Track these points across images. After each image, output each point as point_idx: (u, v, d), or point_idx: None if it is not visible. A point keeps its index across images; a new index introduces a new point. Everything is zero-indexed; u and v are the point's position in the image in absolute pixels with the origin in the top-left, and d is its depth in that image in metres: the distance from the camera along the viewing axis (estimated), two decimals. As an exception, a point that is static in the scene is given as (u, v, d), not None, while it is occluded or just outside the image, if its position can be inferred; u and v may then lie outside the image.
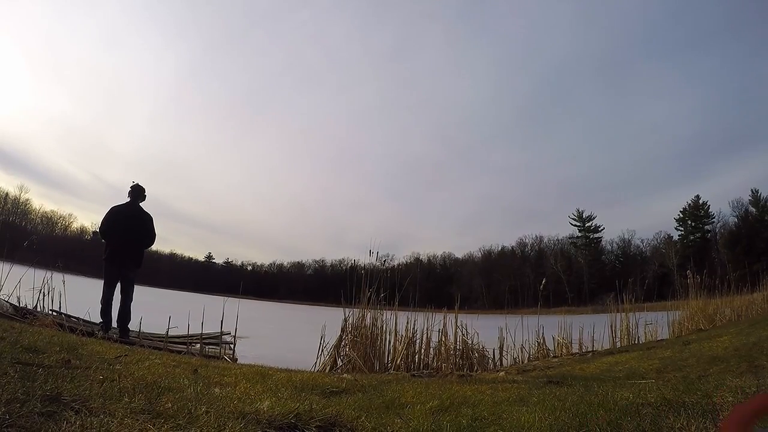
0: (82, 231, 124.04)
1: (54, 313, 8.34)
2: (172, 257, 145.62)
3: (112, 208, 6.50)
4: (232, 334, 9.37)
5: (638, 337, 12.93)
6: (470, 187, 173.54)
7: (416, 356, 9.01)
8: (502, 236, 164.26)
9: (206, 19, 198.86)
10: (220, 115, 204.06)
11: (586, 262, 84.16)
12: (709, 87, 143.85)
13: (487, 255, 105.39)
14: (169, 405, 2.40)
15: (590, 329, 13.62)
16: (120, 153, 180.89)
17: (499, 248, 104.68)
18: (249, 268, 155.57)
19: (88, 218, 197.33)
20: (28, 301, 8.46)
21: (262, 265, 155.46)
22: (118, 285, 7.52)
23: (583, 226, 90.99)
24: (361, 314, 8.82)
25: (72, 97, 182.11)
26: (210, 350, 8.36)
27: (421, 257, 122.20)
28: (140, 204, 6.80)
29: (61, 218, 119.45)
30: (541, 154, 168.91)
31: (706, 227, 74.70)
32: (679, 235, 77.67)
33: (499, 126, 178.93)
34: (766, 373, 3.36)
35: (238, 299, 13.26)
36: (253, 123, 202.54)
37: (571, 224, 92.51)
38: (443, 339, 9.23)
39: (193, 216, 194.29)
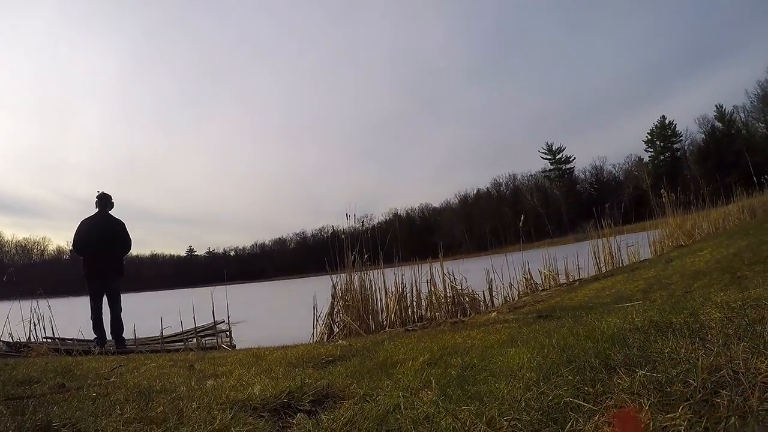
0: (60, 252, 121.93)
1: (48, 340, 8.23)
2: (154, 258, 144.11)
3: (82, 222, 6.28)
4: (227, 321, 9.30)
5: (622, 260, 13.12)
6: (439, 134, 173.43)
7: (409, 309, 9.06)
8: (477, 179, 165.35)
9: (140, 6, 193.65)
10: (173, 105, 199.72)
11: (561, 194, 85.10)
12: (665, 4, 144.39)
13: (464, 200, 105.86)
14: (161, 408, 2.35)
15: (574, 258, 13.81)
16: (80, 165, 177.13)
17: (475, 191, 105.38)
18: (232, 253, 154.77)
19: (63, 238, 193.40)
20: (20, 334, 8.33)
21: (244, 248, 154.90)
22: (105, 298, 7.37)
23: (554, 158, 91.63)
24: (348, 278, 8.77)
25: (19, 119, 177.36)
26: (207, 342, 8.31)
27: (399, 212, 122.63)
28: (109, 212, 6.59)
29: (36, 244, 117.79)
30: (506, 91, 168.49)
31: (675, 146, 75.76)
32: (649, 157, 78.85)
33: (462, 68, 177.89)
34: (749, 283, 3.39)
35: (225, 286, 13.28)
36: (209, 106, 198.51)
37: (542, 158, 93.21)
38: (432, 289, 9.26)
39: (166, 213, 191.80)
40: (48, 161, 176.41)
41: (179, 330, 8.84)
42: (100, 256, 6.49)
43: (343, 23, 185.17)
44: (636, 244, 13.50)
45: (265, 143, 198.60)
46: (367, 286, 8.84)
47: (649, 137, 78.91)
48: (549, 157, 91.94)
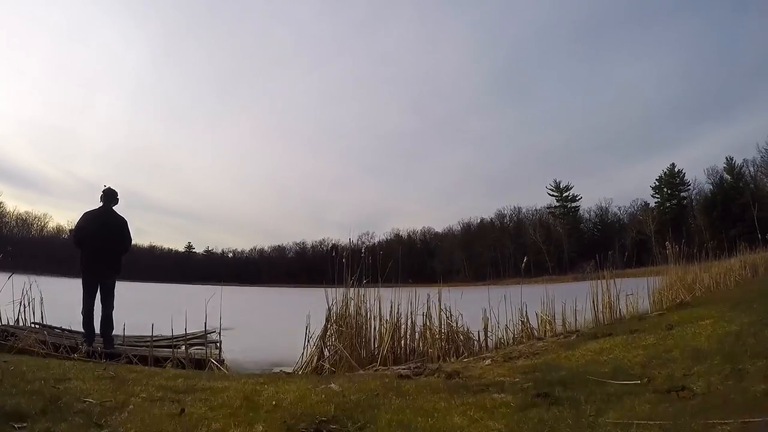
0: (59, 230, 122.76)
1: (36, 327, 8.14)
2: (152, 249, 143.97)
3: (85, 214, 6.24)
4: (217, 331, 9.15)
5: (620, 310, 12.97)
6: (448, 158, 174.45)
7: (402, 341, 8.96)
8: (481, 208, 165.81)
9: (168, 5, 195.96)
10: (190, 102, 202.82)
11: (564, 232, 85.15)
12: (686, 53, 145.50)
13: (467, 228, 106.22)
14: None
15: (572, 303, 13.71)
16: (91, 147, 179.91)
17: (479, 221, 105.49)
18: (230, 255, 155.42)
19: (63, 216, 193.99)
20: (9, 315, 8.25)
21: (242, 251, 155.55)
22: (99, 294, 7.30)
23: (561, 195, 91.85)
24: (344, 301, 8.66)
25: (39, 96, 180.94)
26: (196, 352, 8.15)
27: (401, 233, 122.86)
28: (113, 208, 6.54)
29: (37, 219, 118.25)
30: (518, 122, 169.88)
31: (682, 194, 75.86)
32: (655, 203, 79.03)
33: (476, 95, 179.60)
34: (749, 382, 3.36)
35: (220, 287, 13.08)
36: (225, 107, 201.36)
37: (549, 194, 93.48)
38: (428, 323, 9.17)
39: (170, 205, 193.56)
40: (60, 139, 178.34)
41: (169, 334, 8.68)
42: (99, 251, 6.43)
43: (363, 38, 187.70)
44: (635, 293, 13.33)
45: (276, 149, 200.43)
46: (363, 313, 8.72)
47: (657, 183, 79.18)
48: (556, 194, 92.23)
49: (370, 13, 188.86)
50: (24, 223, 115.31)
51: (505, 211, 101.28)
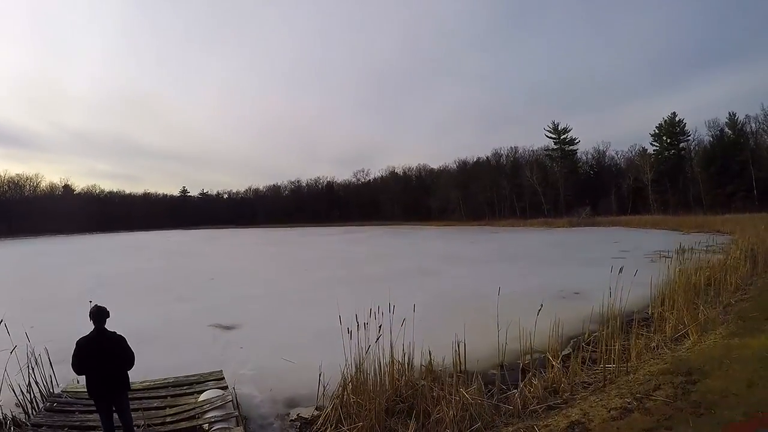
0: (52, 188, 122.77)
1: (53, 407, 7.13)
2: (146, 197, 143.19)
3: (79, 343, 5.75)
4: (224, 366, 7.97)
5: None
6: (444, 95, 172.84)
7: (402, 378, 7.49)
8: (477, 145, 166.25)
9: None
10: (178, 43, 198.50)
11: (561, 175, 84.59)
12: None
13: (463, 166, 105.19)
14: None
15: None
16: (77, 97, 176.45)
17: (475, 159, 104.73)
18: (225, 196, 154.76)
19: (55, 171, 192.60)
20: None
21: (238, 192, 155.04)
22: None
23: (559, 138, 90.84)
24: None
25: (20, 50, 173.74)
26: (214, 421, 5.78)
27: (396, 170, 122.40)
28: (105, 327, 6.15)
29: (29, 180, 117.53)
30: (516, 59, 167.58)
31: (681, 144, 75.03)
32: (654, 150, 78.07)
33: (473, 32, 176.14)
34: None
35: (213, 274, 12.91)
36: (215, 46, 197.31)
37: (547, 136, 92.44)
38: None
39: (163, 150, 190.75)
40: (44, 92, 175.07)
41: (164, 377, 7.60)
42: (103, 377, 6.12)
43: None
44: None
45: (269, 87, 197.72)
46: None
47: (657, 132, 78.23)
48: (554, 136, 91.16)
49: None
50: (16, 185, 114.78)
51: (502, 151, 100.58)
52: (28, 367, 6.43)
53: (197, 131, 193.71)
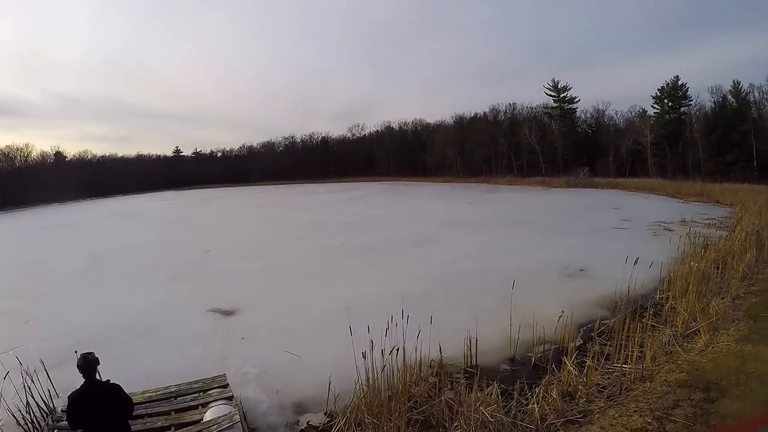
0: (44, 156, 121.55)
1: None
2: (140, 159, 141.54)
3: (71, 399, 5.30)
4: (229, 373, 7.19)
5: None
6: (440, 46, 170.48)
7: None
8: (474, 99, 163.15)
9: None
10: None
11: (560, 134, 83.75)
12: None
13: (459, 121, 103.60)
14: None
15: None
16: (64, 61, 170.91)
17: (472, 114, 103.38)
18: (219, 154, 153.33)
19: (47, 138, 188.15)
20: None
21: (231, 150, 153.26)
22: None
23: (558, 96, 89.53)
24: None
25: (4, 17, 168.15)
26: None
27: (392, 125, 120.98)
28: (98, 377, 5.69)
29: (19, 150, 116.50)
30: (515, 10, 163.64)
31: (682, 109, 73.96)
32: (654, 113, 77.04)
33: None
34: None
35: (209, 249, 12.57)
36: None
37: (547, 94, 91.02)
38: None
39: (154, 109, 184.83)
40: (30, 57, 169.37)
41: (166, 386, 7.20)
42: (101, 430, 5.75)
43: None
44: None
45: (259, 40, 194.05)
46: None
47: (659, 94, 77.10)
48: (553, 94, 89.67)
49: None
50: (6, 157, 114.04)
51: (500, 107, 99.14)
52: (24, 387, 6.12)
53: (190, 88, 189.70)
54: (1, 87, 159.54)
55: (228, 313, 11.14)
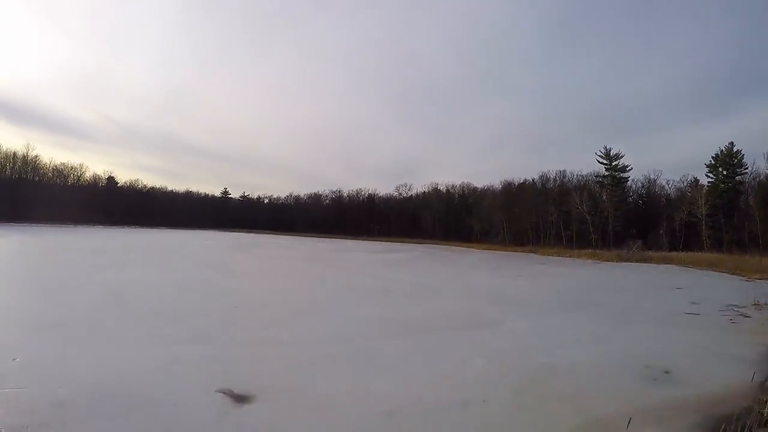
0: (96, 179, 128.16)
1: None
2: (188, 195, 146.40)
3: None
4: None
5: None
6: (491, 110, 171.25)
7: None
8: (522, 164, 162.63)
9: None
10: (229, 39, 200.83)
11: (611, 203, 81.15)
12: (748, 18, 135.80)
13: (508, 187, 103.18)
14: None
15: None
16: (126, 92, 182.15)
17: (521, 180, 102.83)
18: (265, 200, 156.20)
19: (101, 162, 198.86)
20: None
21: (278, 198, 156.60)
22: None
23: (611, 164, 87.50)
24: None
25: (75, 40, 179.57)
26: None
27: (439, 187, 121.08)
28: None
29: (73, 169, 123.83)
30: (564, 78, 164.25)
31: (738, 177, 70.93)
32: (709, 182, 74.21)
33: (522, 46, 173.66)
34: None
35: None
36: (263, 48, 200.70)
37: (599, 161, 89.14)
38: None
39: (207, 148, 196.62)
40: (97, 84, 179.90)
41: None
42: None
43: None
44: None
45: (314, 92, 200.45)
46: None
47: (713, 162, 74.44)
48: (605, 161, 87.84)
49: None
50: (60, 174, 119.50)
51: (549, 174, 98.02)
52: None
53: (243, 133, 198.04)
54: (63, 107, 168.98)
55: (240, 398, 8.97)
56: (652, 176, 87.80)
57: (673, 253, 57.47)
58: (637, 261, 54.51)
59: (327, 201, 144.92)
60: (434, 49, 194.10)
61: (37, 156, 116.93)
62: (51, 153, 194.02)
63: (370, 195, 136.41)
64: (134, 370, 9.86)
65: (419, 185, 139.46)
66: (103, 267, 28.65)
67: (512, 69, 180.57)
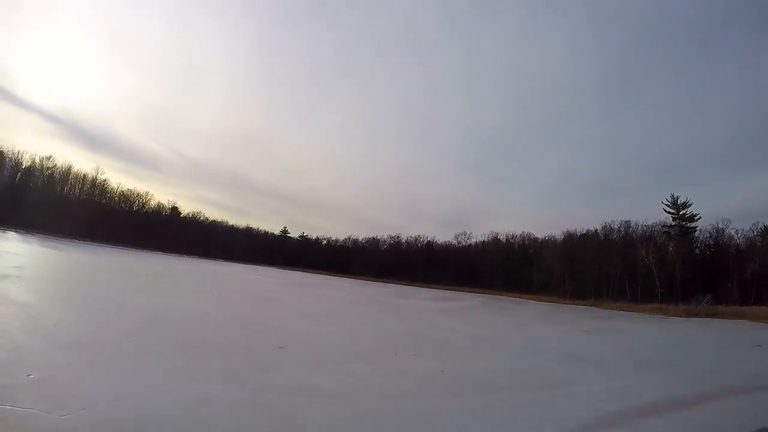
0: (159, 208, 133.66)
1: None
2: (248, 231, 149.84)
3: None
4: None
5: None
6: (549, 160, 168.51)
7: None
8: (583, 214, 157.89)
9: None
10: (295, 87, 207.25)
11: (679, 255, 77.17)
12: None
13: (569, 238, 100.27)
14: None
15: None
16: (197, 128, 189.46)
17: (583, 231, 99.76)
18: (324, 242, 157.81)
19: (167, 192, 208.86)
20: None
21: (336, 240, 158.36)
22: None
23: (678, 213, 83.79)
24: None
25: (149, 78, 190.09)
26: None
27: (499, 237, 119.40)
28: None
29: (138, 196, 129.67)
30: (624, 125, 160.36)
31: (813, 225, 66.73)
32: (782, 231, 69.98)
33: (580, 95, 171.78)
34: None
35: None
36: (328, 96, 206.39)
37: (666, 211, 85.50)
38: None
39: (270, 187, 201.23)
40: (169, 120, 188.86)
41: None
42: None
43: (467, 31, 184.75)
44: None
45: (377, 139, 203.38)
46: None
47: (787, 210, 70.54)
48: (672, 211, 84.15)
49: (476, 6, 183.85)
50: (126, 199, 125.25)
51: (613, 225, 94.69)
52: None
53: (305, 174, 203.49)
54: (135, 138, 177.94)
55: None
56: (720, 225, 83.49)
57: (745, 308, 54.53)
58: (707, 316, 51.81)
59: (385, 246, 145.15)
60: (494, 98, 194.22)
61: (105, 180, 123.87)
62: (119, 179, 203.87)
63: (428, 242, 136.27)
64: (152, 406, 8.59)
65: (478, 234, 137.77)
66: (151, 291, 28.46)
67: (570, 118, 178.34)
